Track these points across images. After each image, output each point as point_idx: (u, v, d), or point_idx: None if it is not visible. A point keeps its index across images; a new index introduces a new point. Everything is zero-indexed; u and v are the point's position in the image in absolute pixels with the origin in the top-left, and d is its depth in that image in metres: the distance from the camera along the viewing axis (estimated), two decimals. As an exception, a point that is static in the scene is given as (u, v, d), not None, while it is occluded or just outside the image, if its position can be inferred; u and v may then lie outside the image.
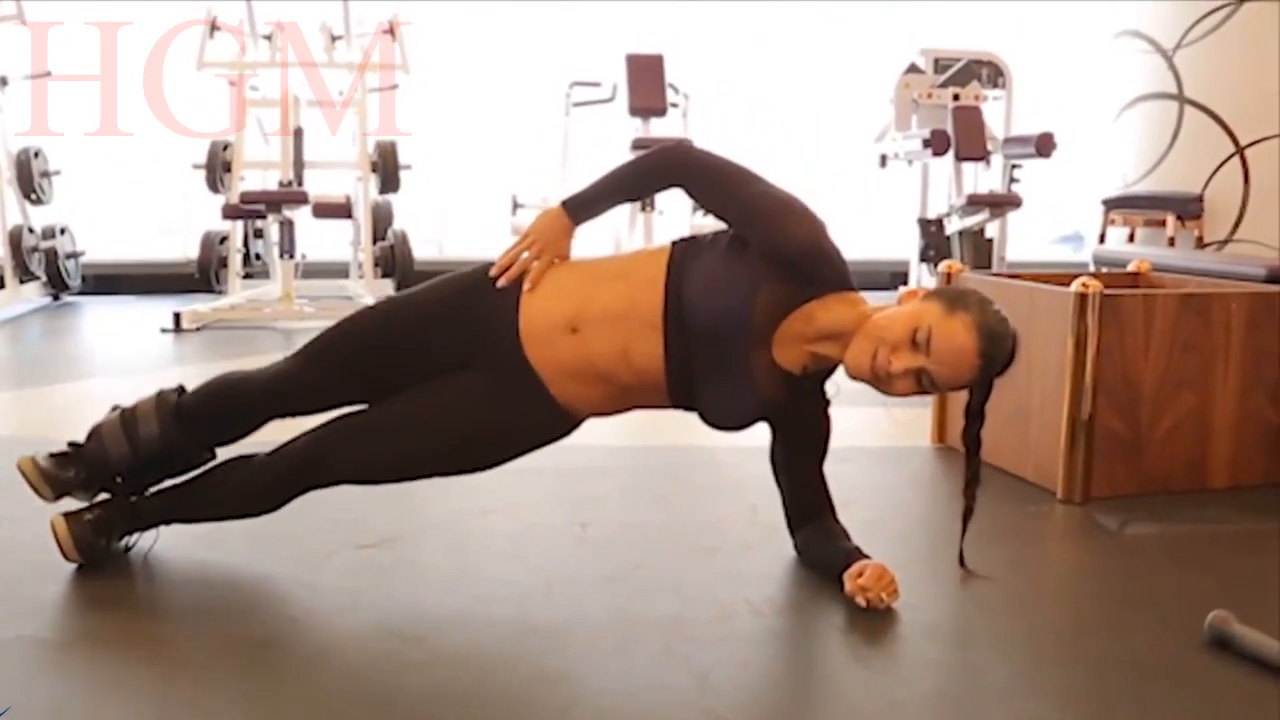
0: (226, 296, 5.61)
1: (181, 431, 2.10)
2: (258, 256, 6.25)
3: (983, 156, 5.99)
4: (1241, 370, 2.69)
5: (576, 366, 2.00)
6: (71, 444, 2.13)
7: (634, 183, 2.09)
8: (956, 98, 6.06)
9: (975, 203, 5.81)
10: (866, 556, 2.03)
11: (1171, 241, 6.04)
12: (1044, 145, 5.87)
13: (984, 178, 6.42)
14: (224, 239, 5.72)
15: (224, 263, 5.72)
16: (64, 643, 1.80)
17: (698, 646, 1.79)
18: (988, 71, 6.39)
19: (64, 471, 2.09)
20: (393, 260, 5.93)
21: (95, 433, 2.11)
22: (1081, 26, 6.98)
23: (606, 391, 2.03)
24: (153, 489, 2.15)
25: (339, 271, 6.45)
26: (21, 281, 5.70)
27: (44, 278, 5.91)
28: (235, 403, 2.13)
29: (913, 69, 6.27)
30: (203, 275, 5.67)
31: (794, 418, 2.09)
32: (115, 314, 5.82)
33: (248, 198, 5.14)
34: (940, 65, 6.33)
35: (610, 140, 6.06)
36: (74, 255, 6.07)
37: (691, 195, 2.06)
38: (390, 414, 2.04)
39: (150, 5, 6.04)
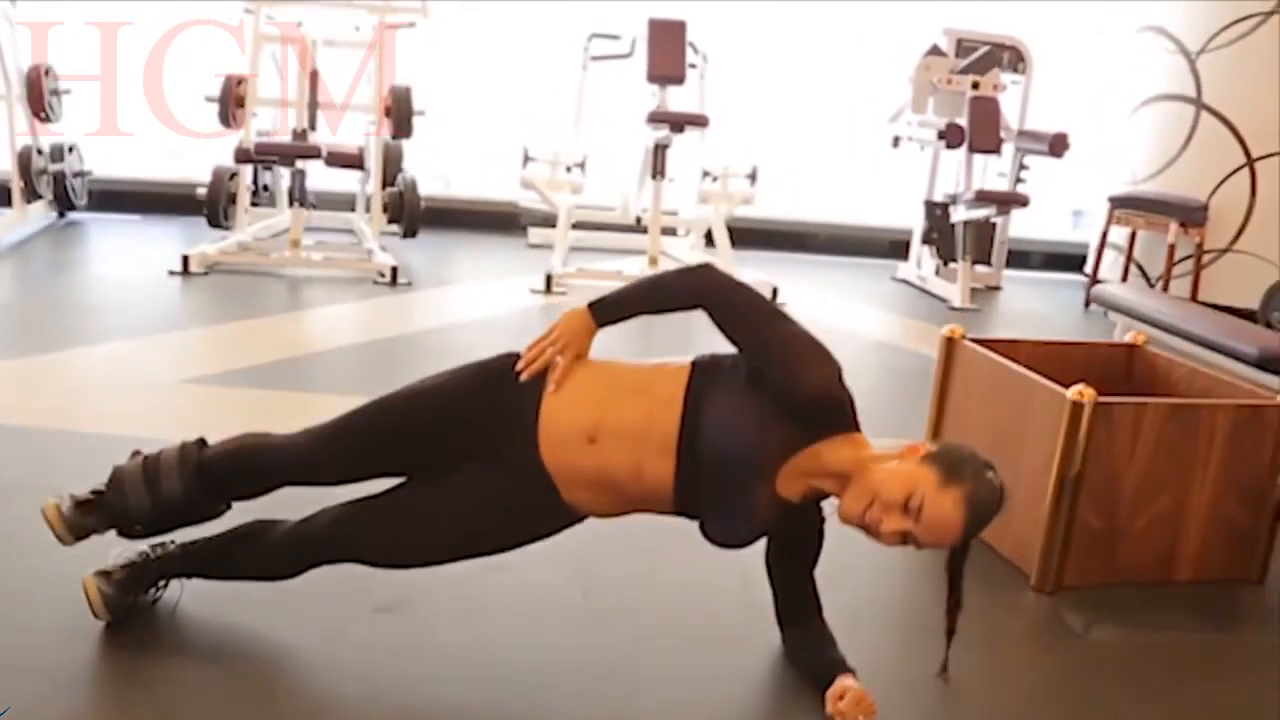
0: (234, 235, 5.63)
1: (201, 487, 2.19)
2: (265, 188, 6.27)
3: (995, 149, 6.01)
4: (1219, 475, 2.81)
5: (591, 476, 2.09)
6: (94, 491, 2.21)
7: (660, 298, 2.15)
8: (976, 86, 6.03)
9: (983, 199, 5.85)
10: (850, 670, 2.18)
11: (1172, 251, 6.12)
12: (1057, 146, 5.90)
13: (994, 163, 6.45)
14: (234, 175, 5.72)
15: (233, 199, 5.73)
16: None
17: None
18: (1009, 56, 6.36)
19: (86, 519, 2.18)
20: (401, 206, 5.95)
21: (116, 480, 2.19)
22: (1107, 16, 6.91)
23: (614, 500, 2.14)
24: (178, 541, 2.27)
25: (344, 203, 6.48)
26: (28, 201, 5.71)
27: (50, 197, 5.91)
28: (257, 469, 2.22)
29: (934, 51, 6.23)
30: (211, 210, 5.68)
31: (790, 530, 2.21)
32: (122, 241, 5.84)
33: (262, 149, 5.14)
34: (963, 47, 6.29)
35: (625, 103, 6.04)
36: (81, 174, 6.06)
37: (714, 319, 2.09)
38: (410, 506, 2.15)
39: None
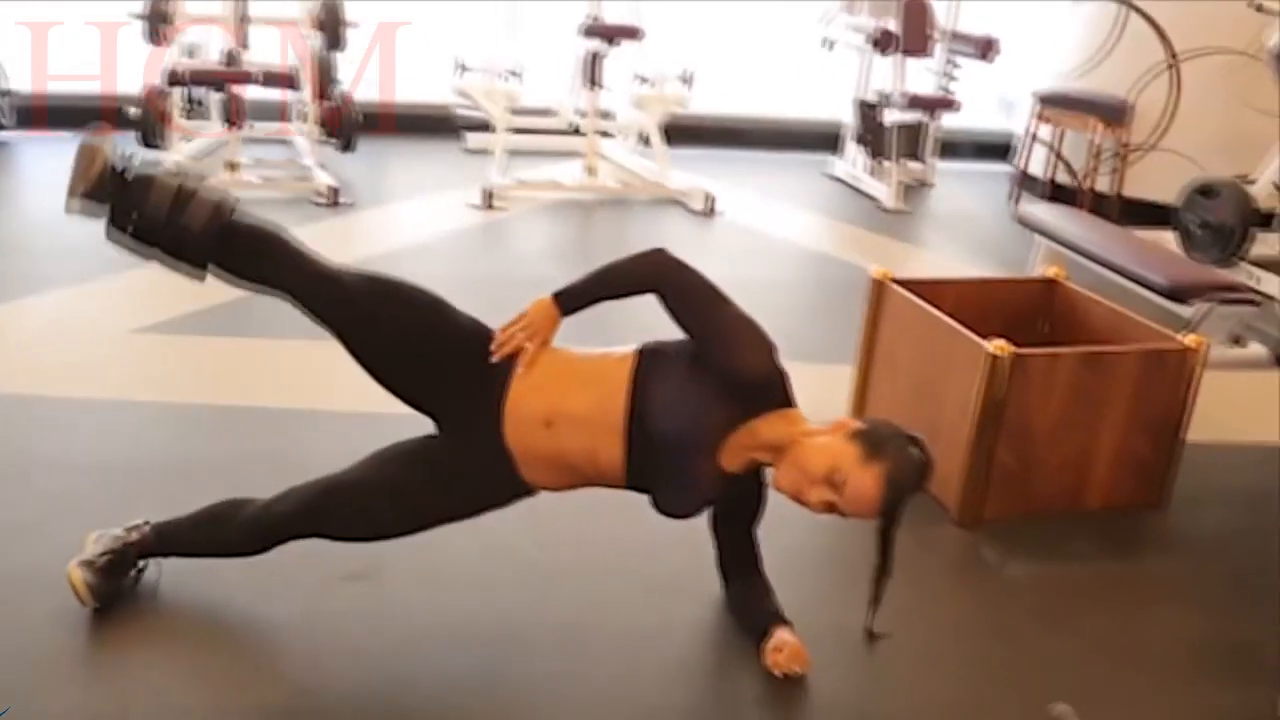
0: (168, 156, 5.56)
1: (212, 240, 2.26)
2: (199, 103, 6.16)
3: (927, 53, 6.08)
4: (1128, 414, 3.03)
5: (549, 456, 2.27)
6: (120, 171, 2.26)
7: (617, 284, 2.28)
8: (909, -11, 6.06)
9: (915, 104, 5.94)
10: (787, 623, 2.39)
11: (1097, 150, 6.28)
12: (987, 50, 5.97)
13: (926, 61, 6.52)
14: (166, 96, 5.61)
15: (166, 119, 5.62)
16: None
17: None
18: (943, -43, 6.37)
19: (97, 191, 2.25)
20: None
21: (144, 183, 2.25)
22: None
23: (570, 478, 2.33)
24: (152, 524, 2.40)
25: (273, 110, 6.38)
26: (-48, 125, 5.59)
27: (-25, 120, 5.79)
28: (265, 261, 2.29)
29: (869, -47, 6.22)
30: (145, 131, 5.58)
31: (733, 497, 2.40)
32: (54, 165, 5.67)
33: (196, 77, 5.07)
34: (897, -51, 6.27)
35: (559, 12, 5.99)
36: (6, 93, 5.92)
37: (664, 302, 2.23)
38: (374, 482, 2.30)
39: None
